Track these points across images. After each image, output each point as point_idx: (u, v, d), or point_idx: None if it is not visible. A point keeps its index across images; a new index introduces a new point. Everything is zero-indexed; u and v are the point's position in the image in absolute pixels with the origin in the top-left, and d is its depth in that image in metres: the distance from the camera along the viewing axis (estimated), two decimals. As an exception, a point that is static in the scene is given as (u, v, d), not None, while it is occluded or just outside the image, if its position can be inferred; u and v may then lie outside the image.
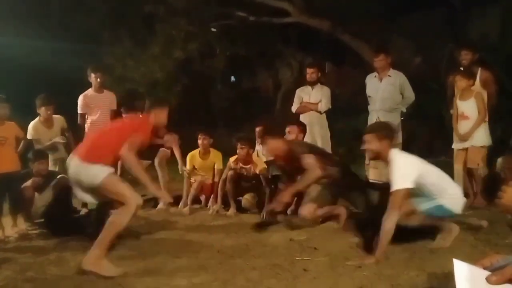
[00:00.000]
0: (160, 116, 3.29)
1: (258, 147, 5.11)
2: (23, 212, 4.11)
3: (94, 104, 4.92)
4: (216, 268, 2.91)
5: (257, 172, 4.64)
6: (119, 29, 8.30)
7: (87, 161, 2.90)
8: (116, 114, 4.95)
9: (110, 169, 2.93)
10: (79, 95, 4.97)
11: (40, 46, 7.82)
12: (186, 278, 2.73)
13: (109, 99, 5.03)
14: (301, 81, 5.76)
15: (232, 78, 10.36)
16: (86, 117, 4.96)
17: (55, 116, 4.65)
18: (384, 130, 3.10)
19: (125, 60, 8.08)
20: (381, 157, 3.06)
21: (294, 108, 5.52)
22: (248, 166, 4.71)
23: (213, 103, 9.51)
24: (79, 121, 4.99)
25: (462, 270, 1.33)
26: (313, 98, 5.40)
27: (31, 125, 4.56)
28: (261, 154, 5.12)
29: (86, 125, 4.96)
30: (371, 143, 3.05)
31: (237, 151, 4.64)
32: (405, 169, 2.89)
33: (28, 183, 4.04)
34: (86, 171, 2.89)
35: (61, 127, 4.71)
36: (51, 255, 3.29)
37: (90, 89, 4.99)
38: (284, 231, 3.68)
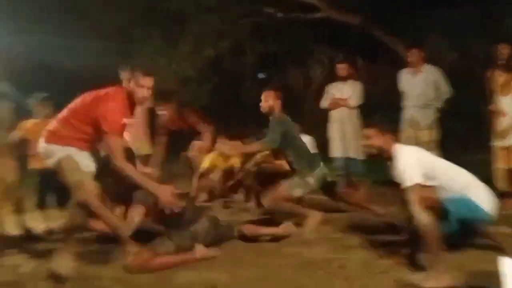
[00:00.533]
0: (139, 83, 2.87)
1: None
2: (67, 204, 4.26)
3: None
4: (251, 265, 2.94)
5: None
6: (150, 27, 8.42)
7: (48, 142, 2.86)
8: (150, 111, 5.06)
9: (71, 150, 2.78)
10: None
11: (71, 45, 7.99)
12: (222, 273, 2.78)
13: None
14: (332, 78, 5.72)
15: (261, 75, 10.35)
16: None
17: None
18: (386, 124, 2.95)
19: (156, 58, 8.19)
20: (384, 154, 2.84)
21: (323, 104, 5.50)
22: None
23: (243, 101, 9.53)
24: None
25: (510, 268, 1.31)
26: (343, 94, 5.36)
27: None
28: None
29: None
30: (372, 138, 2.87)
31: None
32: (410, 164, 2.67)
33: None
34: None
35: None
36: (93, 246, 3.41)
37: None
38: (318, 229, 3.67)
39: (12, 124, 4.01)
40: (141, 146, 4.76)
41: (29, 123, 4.20)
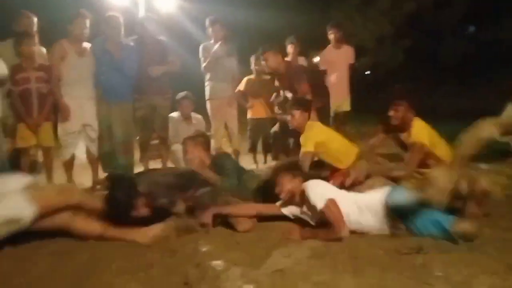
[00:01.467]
0: None
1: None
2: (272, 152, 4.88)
3: (333, 59, 5.15)
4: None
5: None
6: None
7: None
8: (352, 69, 5.08)
9: None
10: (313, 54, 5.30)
11: (273, 10, 8.47)
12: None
13: (346, 53, 5.16)
14: None
15: (471, 29, 9.13)
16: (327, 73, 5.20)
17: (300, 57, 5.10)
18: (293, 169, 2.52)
19: (353, 17, 8.12)
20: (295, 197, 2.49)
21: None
22: None
23: (442, 59, 8.70)
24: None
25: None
26: None
27: None
28: None
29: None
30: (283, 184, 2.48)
31: None
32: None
33: (276, 127, 4.69)
34: None
35: None
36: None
37: (329, 45, 5.24)
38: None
39: (236, 77, 4.70)
40: (343, 103, 4.93)
41: (248, 79, 4.89)
